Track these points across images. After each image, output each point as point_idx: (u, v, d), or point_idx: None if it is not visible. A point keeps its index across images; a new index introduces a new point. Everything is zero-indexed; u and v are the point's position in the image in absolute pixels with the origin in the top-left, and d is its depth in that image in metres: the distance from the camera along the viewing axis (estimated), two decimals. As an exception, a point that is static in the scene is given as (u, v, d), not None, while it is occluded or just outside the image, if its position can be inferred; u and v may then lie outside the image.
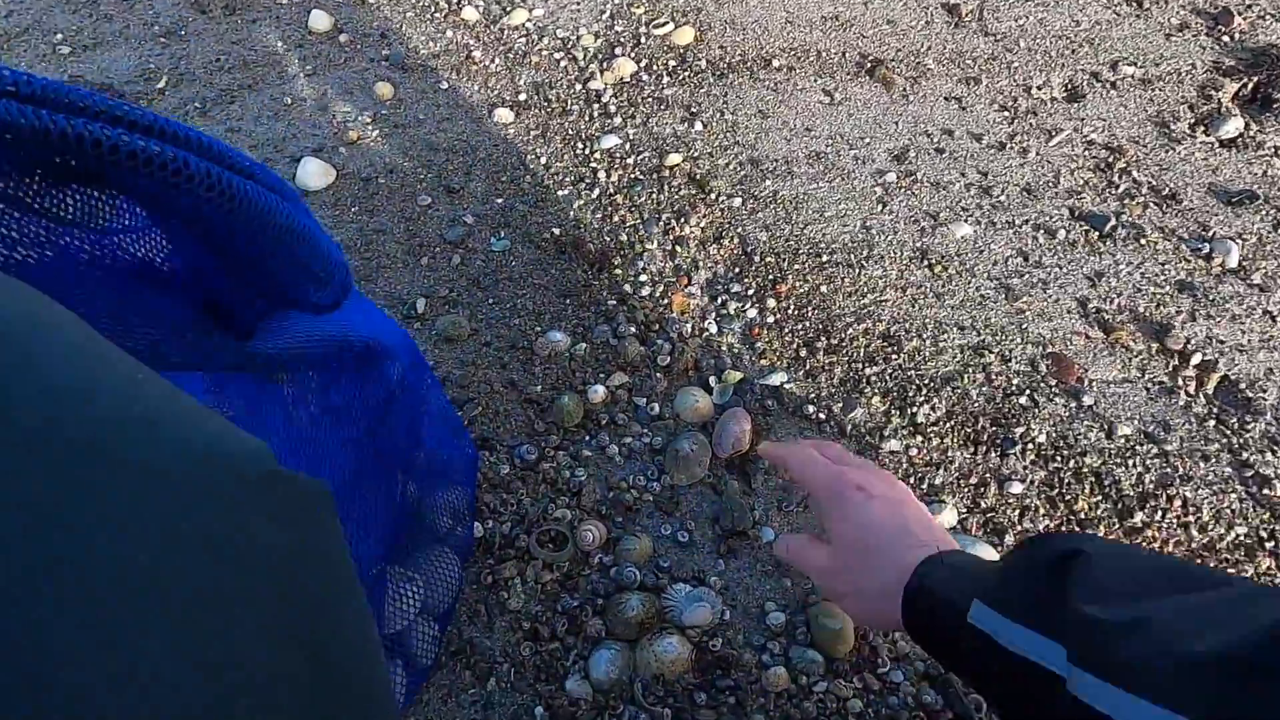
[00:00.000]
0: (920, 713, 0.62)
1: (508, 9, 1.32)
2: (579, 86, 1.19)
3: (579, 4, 1.32)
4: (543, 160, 1.08)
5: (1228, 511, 0.72)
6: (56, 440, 0.13)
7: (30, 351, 0.13)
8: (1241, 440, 0.77)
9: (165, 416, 0.15)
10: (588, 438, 0.80)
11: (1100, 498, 0.74)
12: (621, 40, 1.25)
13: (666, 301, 0.91)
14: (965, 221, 0.99)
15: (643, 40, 1.25)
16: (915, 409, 0.81)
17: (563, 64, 1.22)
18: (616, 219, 1.00)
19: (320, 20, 1.30)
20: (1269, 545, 0.70)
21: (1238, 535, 0.71)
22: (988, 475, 0.76)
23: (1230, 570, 0.69)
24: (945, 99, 1.14)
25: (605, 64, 1.21)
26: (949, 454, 0.78)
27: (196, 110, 1.17)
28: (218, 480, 0.15)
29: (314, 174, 1.05)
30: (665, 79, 1.19)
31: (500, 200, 1.03)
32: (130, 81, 1.20)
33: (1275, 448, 0.76)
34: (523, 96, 1.18)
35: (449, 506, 0.67)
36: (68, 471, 0.13)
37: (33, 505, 0.12)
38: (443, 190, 1.05)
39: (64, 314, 0.15)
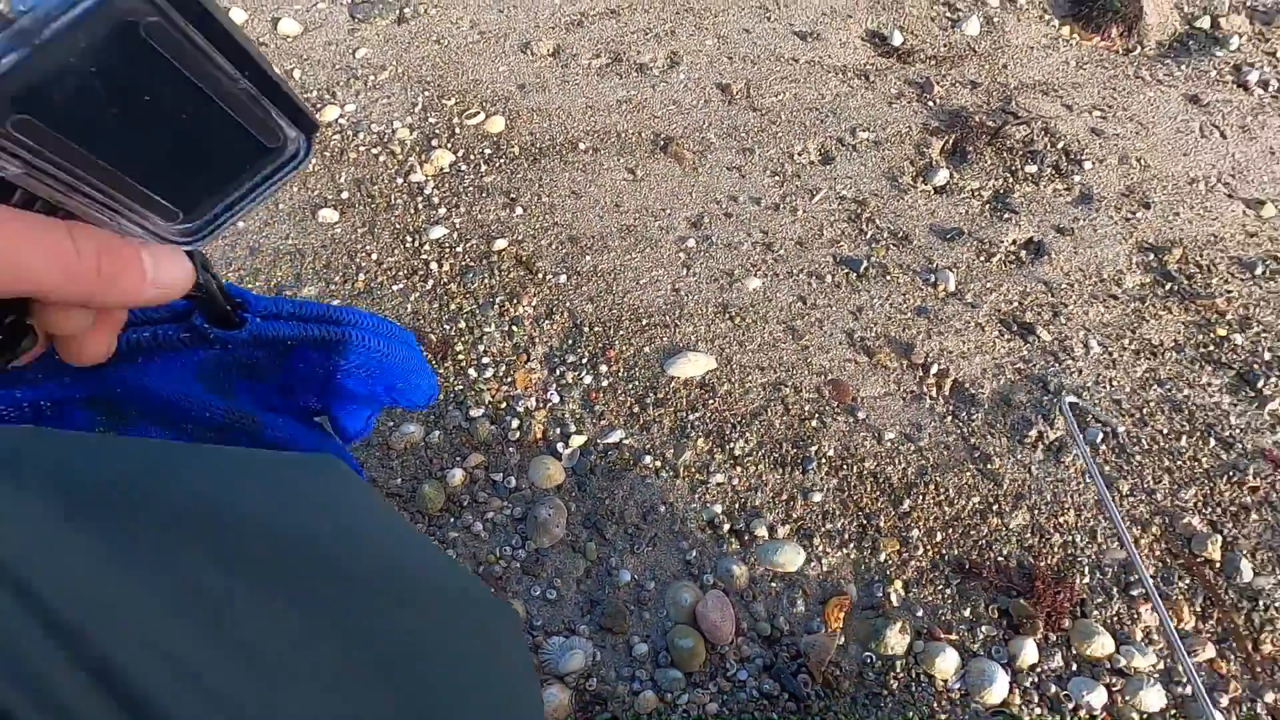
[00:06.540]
0: (763, 700, 0.76)
1: (318, 106, 1.36)
2: (400, 180, 1.25)
3: (390, 98, 1.39)
4: (374, 256, 1.13)
5: (965, 486, 0.94)
6: (386, 585, 0.21)
7: (356, 525, 0.22)
8: (970, 428, 1.00)
9: (422, 561, 0.24)
10: (452, 520, 0.86)
11: (878, 493, 0.93)
12: (436, 132, 1.33)
13: (511, 379, 1.00)
14: (755, 275, 1.17)
15: (457, 131, 1.34)
16: (733, 444, 0.96)
17: (381, 159, 1.28)
18: (453, 307, 1.08)
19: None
20: (994, 508, 0.92)
21: (973, 504, 0.92)
22: (795, 490, 0.93)
23: (967, 532, 0.90)
24: (728, 169, 1.34)
25: (423, 156, 1.29)
26: (763, 477, 0.93)
27: None
28: (459, 604, 0.25)
29: (129, 295, 1.02)
30: (483, 167, 1.28)
31: (335, 300, 1.07)
32: None
33: (991, 431, 1.00)
34: (345, 194, 1.22)
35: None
36: (389, 602, 0.21)
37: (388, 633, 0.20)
38: (274, 297, 1.06)
39: (368, 492, 0.22)
